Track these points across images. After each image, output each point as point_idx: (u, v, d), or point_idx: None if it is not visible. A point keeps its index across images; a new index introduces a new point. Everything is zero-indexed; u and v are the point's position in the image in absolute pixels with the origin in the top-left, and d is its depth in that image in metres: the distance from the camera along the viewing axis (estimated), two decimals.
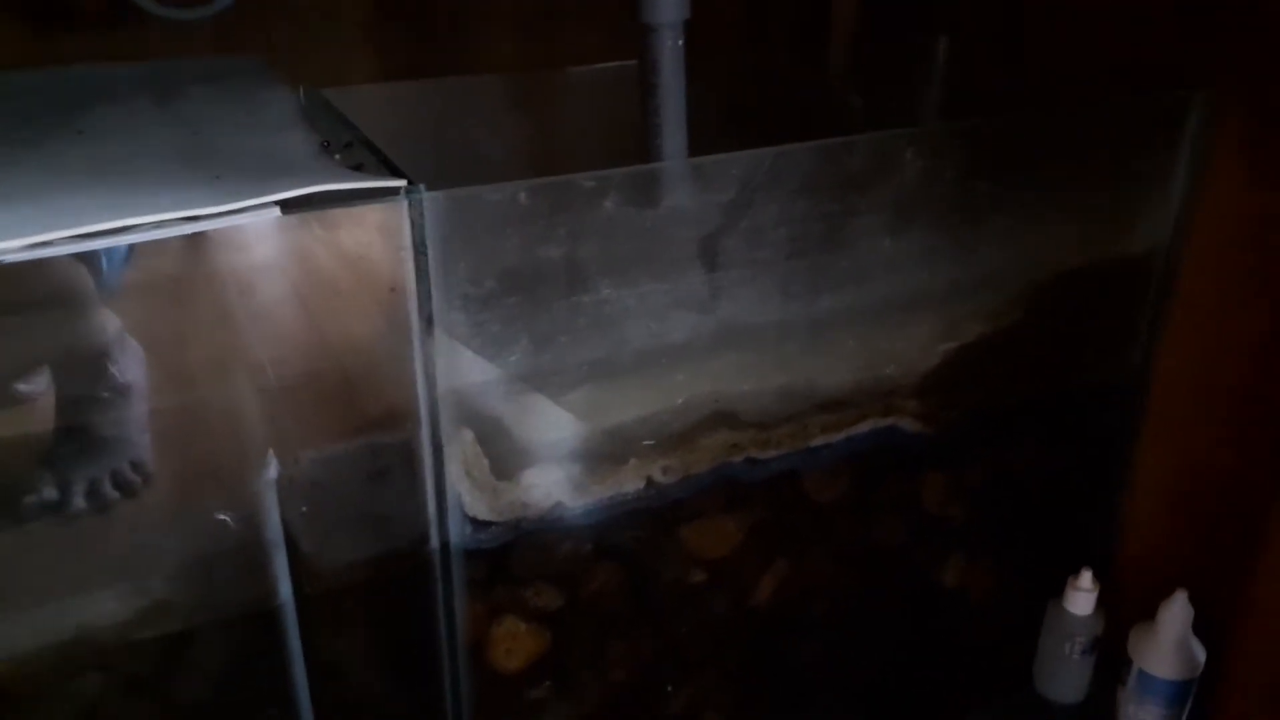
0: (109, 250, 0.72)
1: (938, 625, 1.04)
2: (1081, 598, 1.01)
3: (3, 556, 0.69)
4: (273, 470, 0.68)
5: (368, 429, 0.71)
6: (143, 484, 0.73)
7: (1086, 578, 1.01)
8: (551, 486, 0.77)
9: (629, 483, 0.80)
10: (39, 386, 0.73)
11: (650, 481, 0.81)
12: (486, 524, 0.75)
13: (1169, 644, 0.95)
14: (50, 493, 0.71)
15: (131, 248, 0.76)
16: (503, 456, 0.74)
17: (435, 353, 0.67)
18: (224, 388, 0.67)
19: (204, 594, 0.70)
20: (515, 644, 0.81)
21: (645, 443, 0.79)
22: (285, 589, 0.71)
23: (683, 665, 0.90)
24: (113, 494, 0.73)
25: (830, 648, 0.98)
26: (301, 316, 0.69)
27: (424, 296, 0.66)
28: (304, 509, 0.69)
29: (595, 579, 0.83)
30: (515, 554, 0.78)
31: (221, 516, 0.68)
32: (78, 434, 0.73)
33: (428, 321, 0.67)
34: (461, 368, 0.70)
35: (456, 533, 0.74)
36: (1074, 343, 0.98)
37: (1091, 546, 1.06)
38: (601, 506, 0.80)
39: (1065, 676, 1.06)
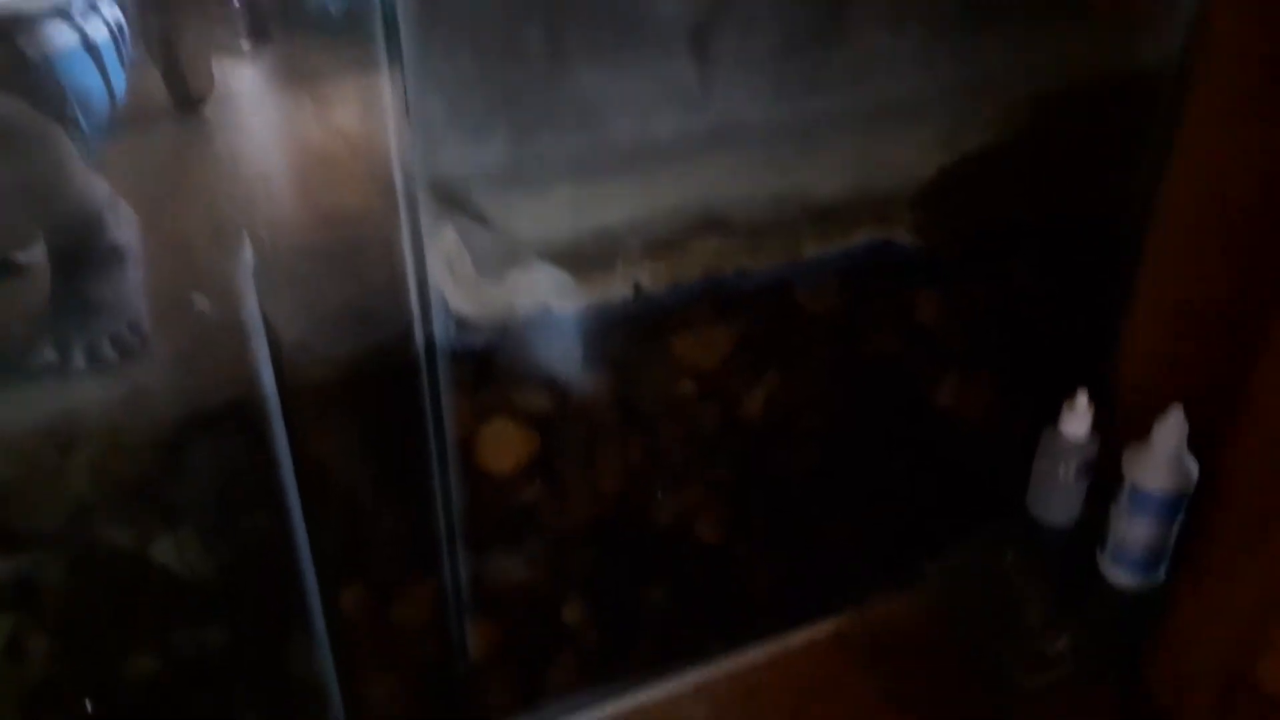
0: (89, 111, 0.70)
1: (931, 446, 1.03)
2: (1077, 419, 1.00)
3: None
4: (248, 254, 0.67)
5: (346, 217, 0.70)
6: (141, 346, 0.73)
7: (1082, 399, 0.99)
8: (537, 288, 0.75)
9: (616, 289, 0.78)
10: (35, 256, 0.72)
11: (638, 289, 0.79)
12: (473, 324, 0.74)
13: (1163, 458, 0.94)
14: (50, 354, 0.71)
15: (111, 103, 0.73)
16: (486, 254, 0.72)
17: (412, 138, 0.65)
18: (196, 163, 0.65)
19: (186, 381, 0.70)
20: (504, 445, 0.80)
21: (633, 245, 0.77)
22: (268, 379, 0.70)
23: (673, 475, 0.90)
24: (112, 354, 0.73)
25: (823, 464, 0.98)
26: (276, 100, 0.67)
27: (399, 77, 0.63)
28: (283, 297, 0.68)
29: (584, 385, 0.82)
30: (503, 356, 0.77)
31: (197, 300, 0.67)
32: (73, 298, 0.72)
33: (404, 103, 0.64)
34: (440, 157, 0.67)
35: (442, 331, 0.73)
36: (1079, 159, 0.94)
37: (1089, 369, 1.04)
38: (590, 312, 0.78)
39: (1059, 499, 1.06)
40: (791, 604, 1.06)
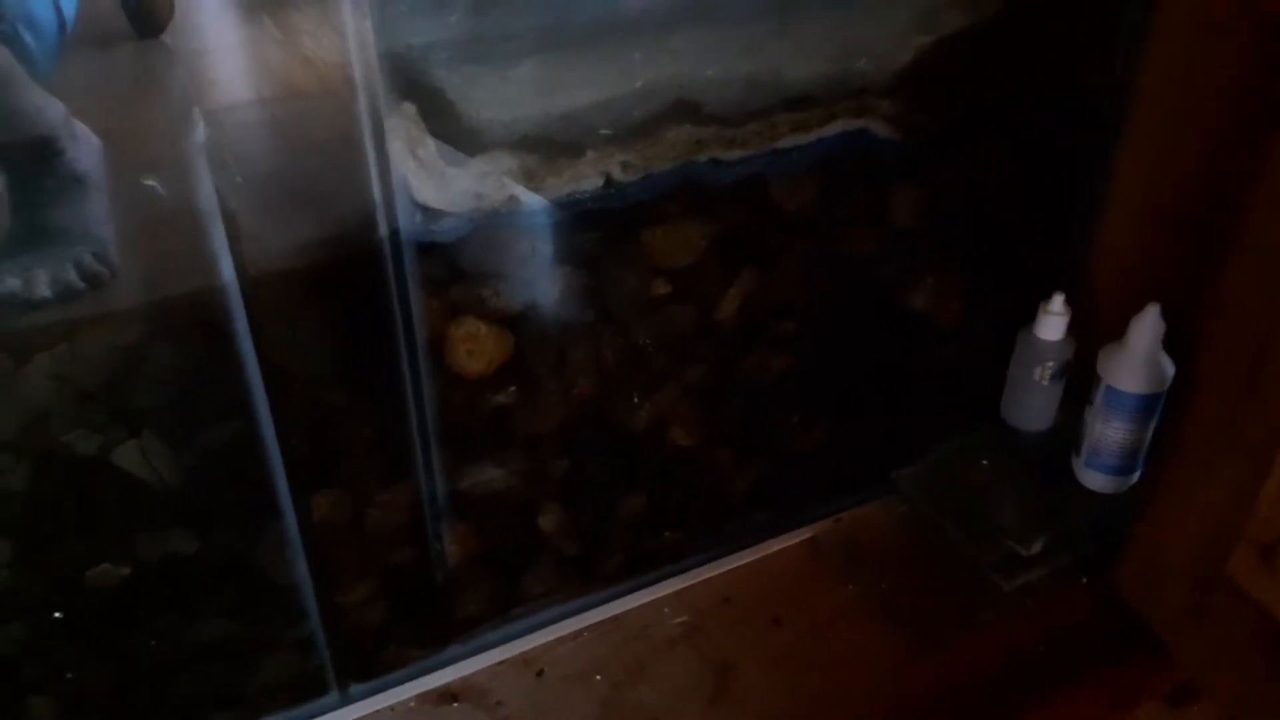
0: (36, 29, 0.66)
1: (907, 351, 1.00)
2: (1052, 322, 0.98)
3: None
4: (200, 133, 0.62)
5: (300, 91, 0.65)
6: (110, 276, 0.69)
7: (1058, 301, 0.97)
8: (505, 177, 0.71)
9: (587, 179, 0.74)
10: None
11: (610, 180, 0.75)
12: (439, 214, 0.70)
13: (1138, 357, 0.91)
14: (14, 284, 0.67)
15: (61, 25, 0.69)
16: (450, 138, 0.68)
17: (369, 6, 0.60)
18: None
19: (143, 266, 0.65)
20: (476, 345, 0.77)
21: (602, 132, 0.73)
22: (227, 269, 0.66)
23: (649, 378, 0.87)
24: (79, 284, 0.69)
25: (798, 369, 0.94)
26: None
27: None
28: (238, 179, 0.63)
29: (556, 283, 0.78)
30: (471, 250, 0.73)
31: (149, 182, 0.62)
32: (34, 227, 0.69)
33: None
34: (398, 27, 0.62)
35: (406, 221, 0.69)
36: (1056, 42, 0.90)
37: (1064, 271, 1.01)
38: (560, 204, 0.74)
39: (1034, 404, 1.03)
40: (767, 512, 1.04)
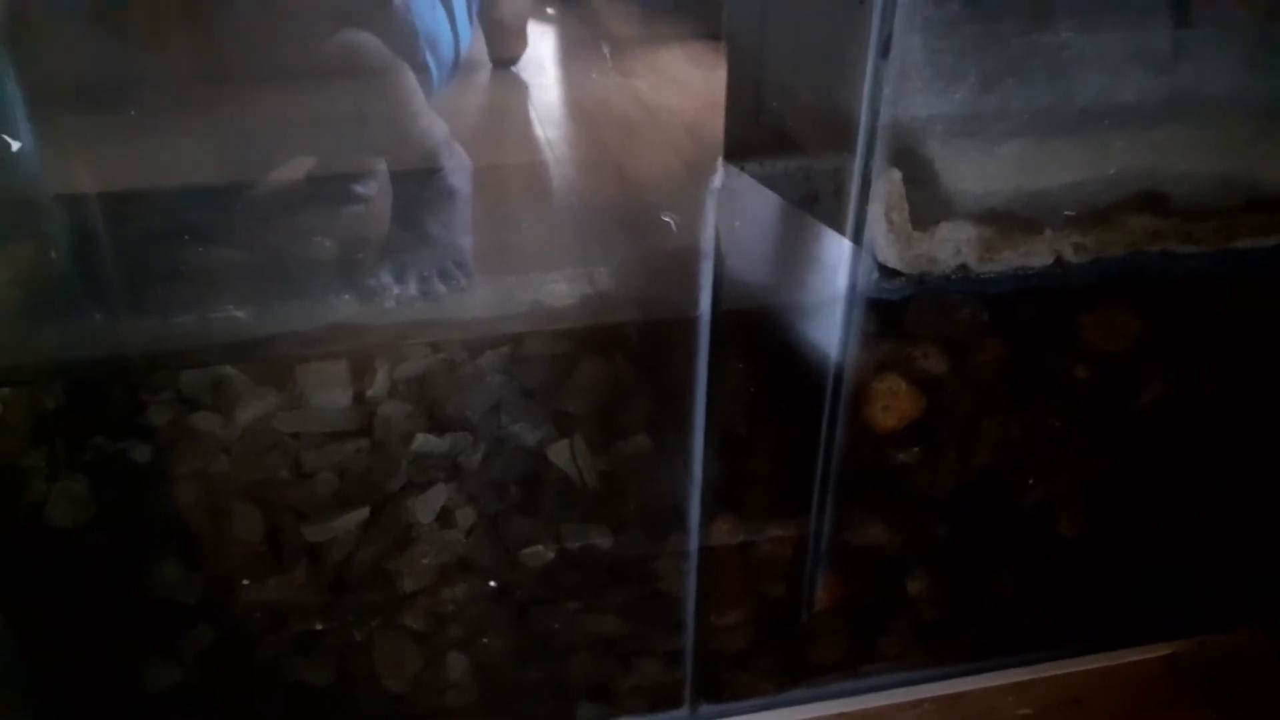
0: (437, 54, 0.72)
1: None
2: None
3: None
4: (718, 179, 0.66)
5: (805, 150, 0.67)
6: (465, 283, 0.74)
7: None
8: (962, 245, 0.70)
9: (1037, 256, 0.72)
10: (372, 190, 0.75)
11: (1060, 259, 0.72)
12: (893, 274, 0.70)
13: None
14: (387, 280, 0.74)
15: (456, 56, 0.75)
16: (924, 204, 0.68)
17: (886, 77, 0.62)
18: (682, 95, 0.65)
19: (639, 291, 0.70)
20: (894, 402, 0.76)
21: (1065, 213, 0.70)
22: (705, 301, 0.69)
23: (1049, 460, 0.82)
24: (440, 287, 0.74)
25: (1202, 474, 0.86)
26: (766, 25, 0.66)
27: (888, 12, 0.60)
28: (736, 223, 0.66)
29: (983, 351, 0.76)
30: (912, 311, 0.73)
31: (666, 218, 0.66)
32: (410, 231, 0.75)
33: (885, 42, 0.61)
34: (905, 99, 0.64)
35: (863, 278, 0.70)
36: None
37: None
38: (1005, 277, 0.72)
39: None
40: (1124, 619, 0.95)
